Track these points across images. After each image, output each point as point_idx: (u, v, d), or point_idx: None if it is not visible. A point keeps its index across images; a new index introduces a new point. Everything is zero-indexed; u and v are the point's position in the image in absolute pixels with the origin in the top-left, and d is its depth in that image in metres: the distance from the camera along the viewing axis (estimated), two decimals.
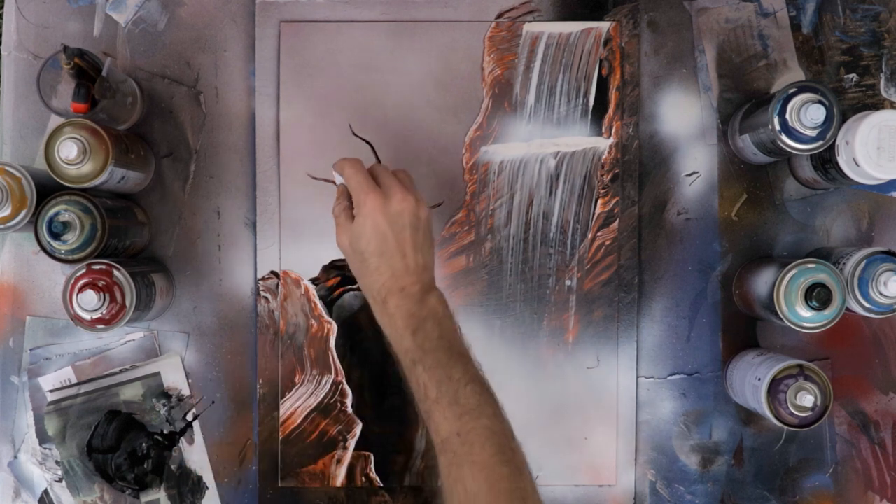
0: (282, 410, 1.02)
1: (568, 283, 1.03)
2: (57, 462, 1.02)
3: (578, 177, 1.03)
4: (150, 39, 1.03)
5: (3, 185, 0.90)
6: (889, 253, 0.93)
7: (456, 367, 0.83)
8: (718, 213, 1.03)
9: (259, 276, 1.03)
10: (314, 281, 1.03)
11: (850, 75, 1.03)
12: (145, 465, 1.01)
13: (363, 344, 1.03)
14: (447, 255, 1.03)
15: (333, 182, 1.02)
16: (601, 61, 1.03)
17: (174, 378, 1.03)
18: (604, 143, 1.03)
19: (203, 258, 1.03)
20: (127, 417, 1.01)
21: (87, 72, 0.90)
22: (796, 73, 1.03)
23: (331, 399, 1.03)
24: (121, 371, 1.02)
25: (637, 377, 1.03)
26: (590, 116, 1.03)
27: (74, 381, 1.02)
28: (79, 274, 0.91)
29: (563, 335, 1.03)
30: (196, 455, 1.02)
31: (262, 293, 1.03)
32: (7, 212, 0.90)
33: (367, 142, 1.03)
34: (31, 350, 1.02)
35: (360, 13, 1.03)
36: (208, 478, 1.03)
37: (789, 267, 0.93)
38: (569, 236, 1.03)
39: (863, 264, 0.93)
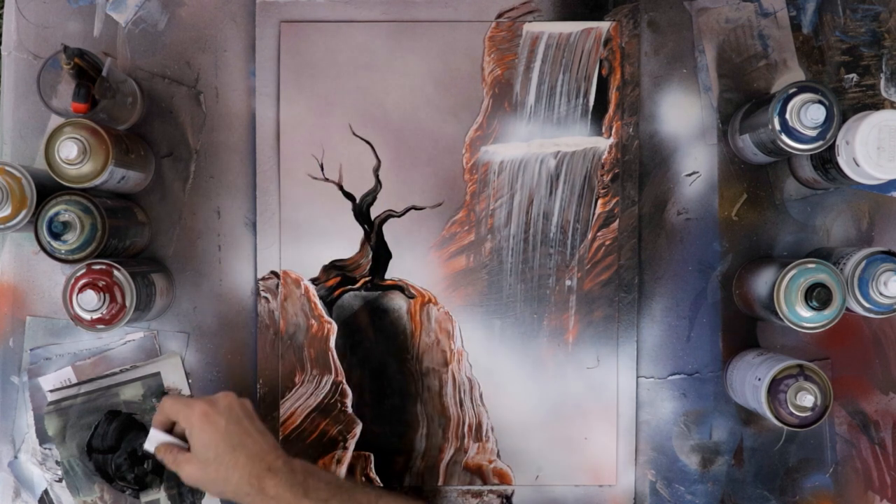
0: (282, 410, 1.02)
1: (568, 283, 1.03)
2: (57, 462, 1.02)
3: (578, 177, 1.03)
4: (150, 39, 1.03)
5: (3, 185, 0.90)
6: (889, 253, 0.93)
7: (358, 495, 0.88)
8: (718, 213, 1.03)
9: (259, 276, 1.03)
10: (314, 281, 1.03)
11: (850, 75, 1.03)
12: (145, 465, 1.01)
13: (363, 344, 1.03)
14: (447, 255, 1.03)
15: (334, 182, 1.03)
16: (601, 61, 1.03)
17: (174, 378, 1.02)
18: (604, 143, 1.03)
19: (203, 258, 1.03)
20: (127, 417, 1.01)
21: (87, 72, 0.90)
22: (796, 73, 1.03)
23: (331, 399, 1.03)
24: (121, 371, 1.02)
25: (637, 377, 1.03)
26: (590, 116, 1.03)
27: (74, 381, 1.02)
28: (79, 274, 0.91)
29: (563, 335, 1.03)
30: None
31: (262, 293, 1.03)
32: (7, 212, 0.90)
33: (367, 142, 1.03)
34: (31, 350, 1.02)
35: (360, 13, 1.03)
36: None
37: (789, 267, 0.93)
38: (569, 236, 1.03)
39: (863, 264, 0.93)
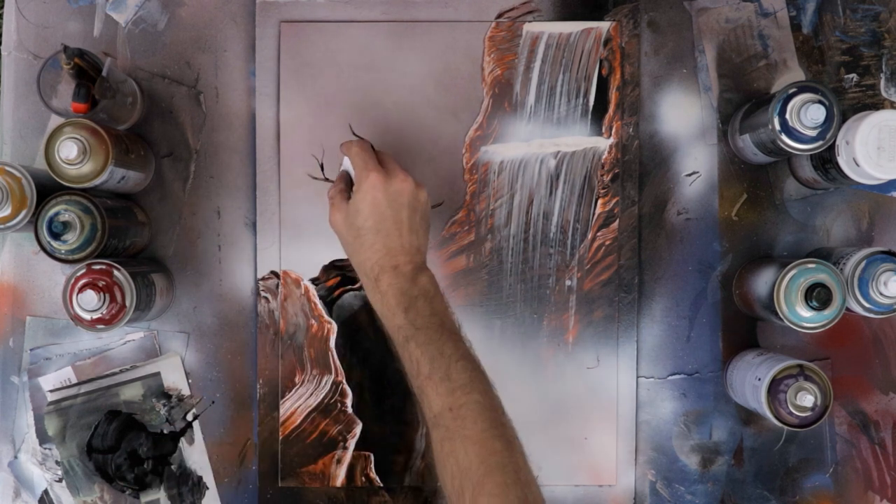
0: (282, 410, 1.02)
1: (568, 283, 1.03)
2: (57, 462, 1.02)
3: (578, 177, 1.03)
4: (150, 39, 1.03)
5: (3, 185, 0.90)
6: (889, 253, 0.93)
7: (447, 344, 0.85)
8: (718, 213, 1.03)
9: (259, 276, 1.03)
10: (314, 281, 1.03)
11: (850, 75, 1.03)
12: (145, 465, 1.01)
13: (363, 344, 1.03)
14: (447, 255, 1.03)
15: (333, 182, 1.03)
16: (601, 61, 1.03)
17: (174, 378, 1.03)
18: (604, 143, 1.03)
19: (203, 258, 1.03)
20: (127, 417, 1.01)
21: (87, 72, 0.90)
22: (796, 73, 1.03)
23: (331, 399, 1.03)
24: (121, 371, 1.02)
25: (637, 377, 1.03)
26: (590, 116, 1.03)
27: (74, 381, 1.02)
28: (79, 274, 0.91)
29: (563, 335, 1.03)
30: (196, 455, 1.02)
31: (262, 293, 1.03)
32: (7, 212, 0.90)
33: (367, 142, 1.03)
34: (31, 350, 1.02)
35: (360, 13, 1.03)
36: (208, 478, 1.03)
37: (789, 267, 0.93)
38: (569, 236, 1.03)
39: (863, 264, 0.93)
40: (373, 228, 0.88)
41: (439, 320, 0.86)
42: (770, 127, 0.92)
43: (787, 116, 0.92)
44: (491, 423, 0.81)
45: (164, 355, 1.03)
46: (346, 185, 0.93)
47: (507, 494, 0.77)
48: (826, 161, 0.96)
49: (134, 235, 0.99)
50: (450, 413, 0.82)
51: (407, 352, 0.85)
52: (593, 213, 1.03)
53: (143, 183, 1.01)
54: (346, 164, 0.94)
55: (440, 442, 0.82)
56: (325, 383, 1.03)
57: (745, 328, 1.03)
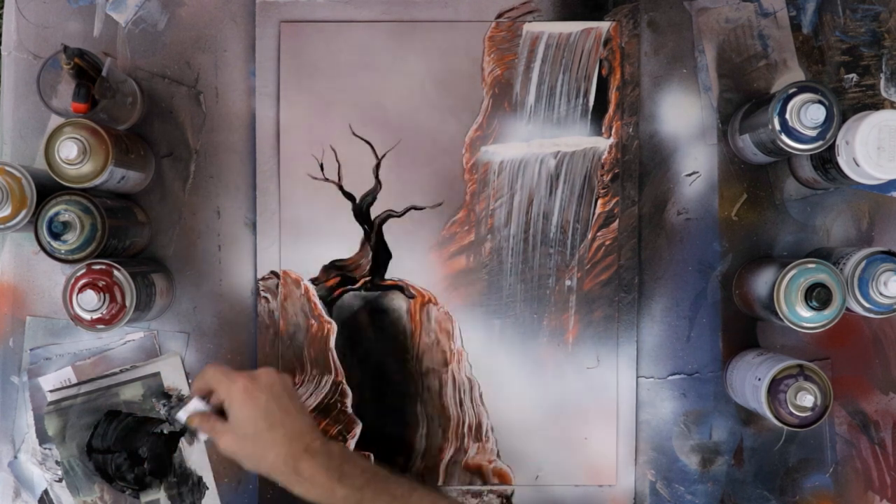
0: None
1: (568, 283, 1.03)
2: (57, 462, 1.02)
3: (578, 177, 1.03)
4: (150, 39, 1.03)
5: (3, 185, 0.90)
6: (889, 253, 0.93)
7: (393, 486, 0.87)
8: (718, 213, 1.03)
9: (259, 276, 1.03)
10: (314, 281, 1.03)
11: (850, 75, 1.03)
12: (145, 465, 1.01)
13: (363, 344, 1.03)
14: (447, 255, 1.03)
15: (334, 182, 1.03)
16: (601, 61, 1.03)
17: (174, 378, 1.02)
18: (604, 143, 1.03)
19: (203, 258, 1.03)
20: (127, 417, 1.01)
21: (87, 72, 0.90)
22: (796, 73, 1.03)
23: (331, 399, 1.03)
24: (121, 371, 1.02)
25: (637, 377, 1.03)
26: (590, 116, 1.03)
27: (74, 381, 1.02)
28: (79, 274, 0.91)
29: (563, 335, 1.03)
30: (196, 455, 1.02)
31: (262, 293, 1.03)
32: (7, 212, 0.90)
33: (367, 142, 1.03)
34: (31, 350, 1.02)
35: (360, 13, 1.03)
36: (208, 478, 1.03)
37: (789, 267, 0.93)
38: (569, 236, 1.03)
39: (863, 264, 0.93)
40: (266, 426, 0.88)
41: (370, 471, 0.88)
42: (770, 127, 0.92)
43: (787, 116, 0.92)
44: None
45: (164, 355, 1.03)
46: (210, 415, 0.90)
47: None
48: (826, 161, 0.96)
49: (134, 235, 0.99)
50: None
51: None
52: (593, 213, 1.03)
53: (143, 183, 1.01)
54: (195, 404, 0.91)
55: None
56: (325, 383, 1.03)
57: (745, 328, 1.03)
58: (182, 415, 0.91)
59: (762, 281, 0.97)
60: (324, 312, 1.03)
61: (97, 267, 0.91)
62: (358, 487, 0.86)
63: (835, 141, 0.92)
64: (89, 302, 0.90)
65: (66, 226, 0.91)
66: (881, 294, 0.92)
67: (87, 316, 0.91)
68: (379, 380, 1.03)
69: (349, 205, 1.03)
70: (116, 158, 0.91)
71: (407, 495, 0.86)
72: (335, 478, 0.86)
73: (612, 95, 1.03)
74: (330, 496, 0.86)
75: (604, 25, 1.03)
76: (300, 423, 0.89)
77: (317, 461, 0.87)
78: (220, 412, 0.90)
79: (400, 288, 1.03)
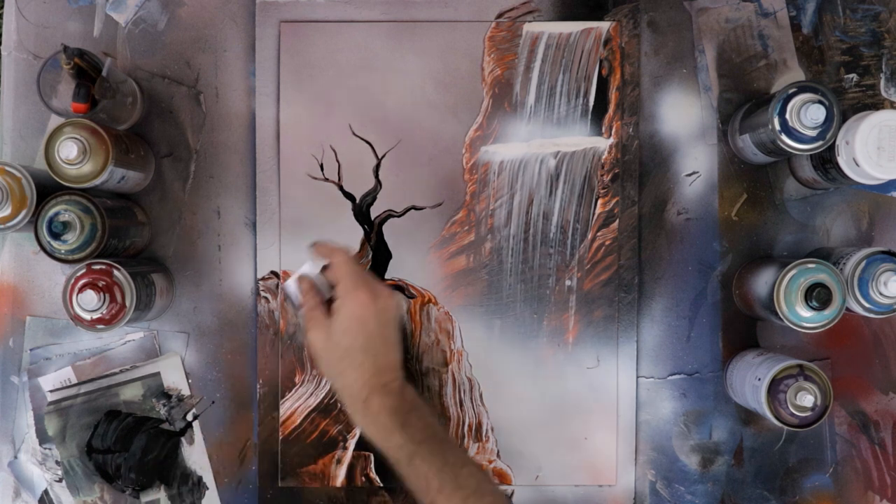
0: (282, 410, 1.02)
1: (568, 283, 1.03)
2: (57, 462, 1.02)
3: (578, 177, 1.03)
4: (150, 39, 1.03)
5: (3, 185, 0.90)
6: (889, 253, 0.93)
7: (449, 453, 0.85)
8: (718, 213, 1.03)
9: (259, 276, 1.03)
10: None
11: (850, 75, 1.03)
12: (145, 466, 1.01)
13: None
14: (447, 255, 1.03)
15: (334, 182, 1.03)
16: (601, 61, 1.03)
17: (174, 378, 1.03)
18: (604, 143, 1.03)
19: (203, 258, 1.03)
20: (127, 417, 1.01)
21: (87, 72, 0.90)
22: (796, 73, 1.03)
23: (331, 399, 1.03)
24: (121, 371, 1.02)
25: (637, 377, 1.03)
26: (590, 116, 1.03)
27: (74, 381, 1.02)
28: (79, 274, 0.91)
29: (563, 335, 1.03)
30: (196, 455, 1.02)
31: (262, 293, 1.03)
32: (7, 212, 0.90)
33: (367, 142, 1.03)
34: (31, 350, 1.02)
35: (360, 13, 1.03)
36: (208, 478, 1.03)
37: (789, 267, 0.93)
38: (569, 236, 1.03)
39: (863, 264, 0.93)
40: (361, 348, 0.86)
41: (433, 431, 0.86)
42: (770, 127, 0.92)
43: (787, 116, 0.92)
44: None
45: (164, 355, 1.03)
46: (320, 298, 0.89)
47: None
48: (826, 161, 0.96)
49: (134, 235, 0.99)
50: None
51: (413, 468, 0.84)
52: (593, 213, 1.03)
53: (143, 183, 1.01)
54: (308, 268, 0.90)
55: None
56: (325, 383, 1.03)
57: (745, 328, 1.03)
58: (294, 278, 0.89)
59: (762, 281, 0.97)
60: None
61: (97, 267, 0.91)
62: (416, 441, 0.84)
63: (835, 141, 0.92)
64: (89, 302, 0.90)
65: (66, 226, 0.91)
66: (881, 294, 0.92)
67: (87, 316, 0.91)
68: None
69: (349, 205, 1.03)
70: (116, 158, 0.91)
71: (458, 466, 0.84)
72: (398, 424, 0.84)
73: (612, 95, 1.03)
74: (386, 440, 0.85)
75: (604, 25, 1.03)
76: (391, 359, 0.87)
77: (388, 401, 0.85)
78: (327, 298, 0.88)
79: (400, 288, 1.03)
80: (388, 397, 0.85)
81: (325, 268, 0.90)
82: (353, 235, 1.03)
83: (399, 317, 0.89)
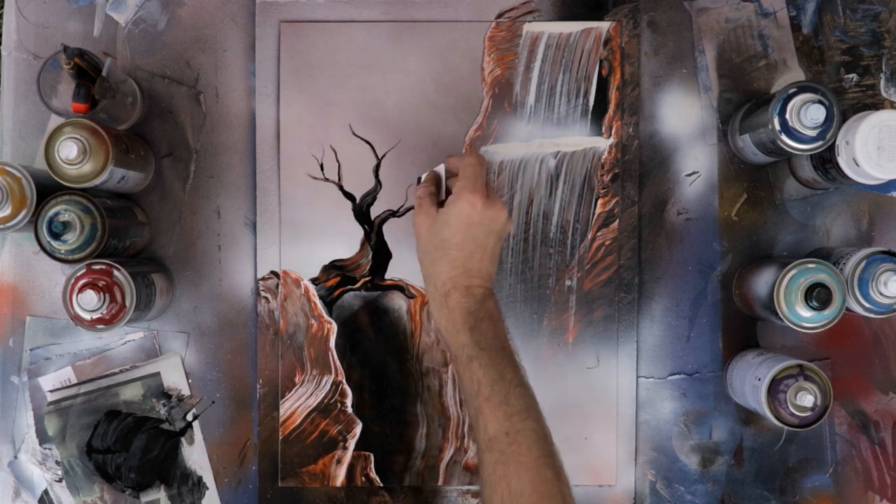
0: (282, 410, 1.02)
1: (568, 283, 1.03)
2: (57, 462, 1.02)
3: (578, 177, 1.03)
4: (150, 39, 1.03)
5: (3, 185, 0.90)
6: (889, 253, 0.93)
7: (507, 368, 0.86)
8: (718, 213, 1.03)
9: (259, 276, 1.03)
10: (314, 281, 1.03)
11: (850, 75, 1.03)
12: (145, 466, 1.01)
13: (363, 344, 1.03)
14: None
15: (334, 182, 1.03)
16: (601, 61, 1.03)
17: (174, 378, 1.03)
18: (604, 143, 1.03)
19: (203, 258, 1.03)
20: (127, 417, 1.01)
21: (87, 72, 0.90)
22: (796, 73, 1.03)
23: (331, 399, 1.03)
24: (121, 371, 1.02)
25: (637, 377, 1.03)
26: (590, 116, 1.03)
27: (74, 381, 1.02)
28: (79, 274, 0.91)
29: (563, 335, 1.03)
30: (196, 455, 1.02)
31: (262, 293, 1.03)
32: (7, 212, 0.90)
33: (367, 142, 1.03)
34: (31, 350, 1.02)
35: (360, 13, 1.03)
36: (208, 478, 1.03)
37: (789, 267, 0.93)
38: (569, 236, 1.03)
39: (863, 264, 0.93)
40: (458, 245, 0.88)
41: (500, 344, 0.87)
42: (770, 127, 0.92)
43: (787, 116, 0.92)
44: (544, 451, 0.83)
45: (164, 355, 1.03)
46: (436, 188, 0.93)
47: None
48: (826, 161, 0.96)
49: (134, 235, 0.99)
50: (506, 438, 0.83)
51: (469, 371, 0.86)
52: (593, 213, 1.03)
53: (143, 183, 1.01)
54: (441, 168, 0.94)
55: (493, 465, 0.83)
56: (325, 383, 1.03)
57: (745, 328, 1.03)
58: (427, 173, 0.94)
59: (762, 281, 0.97)
60: (324, 312, 1.03)
61: (97, 267, 0.91)
62: (480, 346, 0.86)
63: (835, 141, 0.92)
64: (89, 302, 0.90)
65: (66, 226, 0.91)
66: (881, 294, 0.92)
67: (87, 316, 0.91)
68: (379, 380, 1.03)
69: (349, 205, 1.03)
70: (116, 158, 0.91)
71: (512, 385, 0.85)
72: (469, 325, 0.86)
73: (612, 95, 1.03)
74: (453, 336, 0.87)
75: (604, 25, 1.03)
76: (484, 266, 0.89)
77: (466, 302, 0.87)
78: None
79: (400, 288, 1.03)
80: (468, 298, 0.87)
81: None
82: (353, 235, 1.03)
83: (505, 231, 0.91)
